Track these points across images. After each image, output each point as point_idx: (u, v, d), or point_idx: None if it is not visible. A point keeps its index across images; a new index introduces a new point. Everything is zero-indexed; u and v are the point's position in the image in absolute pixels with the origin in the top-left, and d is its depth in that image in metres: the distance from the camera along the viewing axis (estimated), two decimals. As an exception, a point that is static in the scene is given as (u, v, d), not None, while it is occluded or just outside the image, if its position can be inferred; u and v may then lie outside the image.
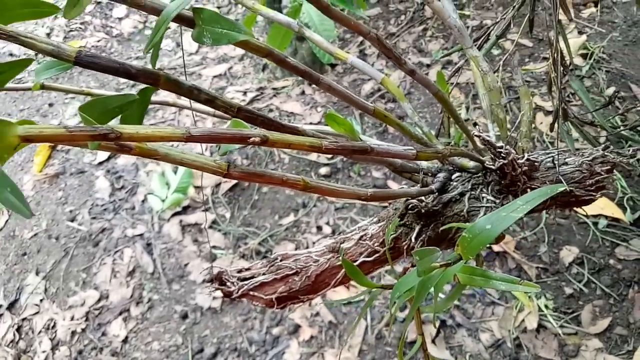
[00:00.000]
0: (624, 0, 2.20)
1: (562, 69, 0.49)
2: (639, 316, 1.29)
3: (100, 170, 1.76)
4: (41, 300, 1.45)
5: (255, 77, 2.11)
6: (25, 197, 1.75)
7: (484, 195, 0.39)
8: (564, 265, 1.42)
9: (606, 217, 1.50)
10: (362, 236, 0.41)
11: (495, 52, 2.10)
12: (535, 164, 0.42)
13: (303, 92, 2.04)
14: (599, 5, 2.24)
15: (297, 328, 1.33)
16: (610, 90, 1.90)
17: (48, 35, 2.44)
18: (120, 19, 2.55)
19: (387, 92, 2.09)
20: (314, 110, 1.96)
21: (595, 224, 1.49)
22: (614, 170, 0.47)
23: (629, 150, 0.46)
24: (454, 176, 0.41)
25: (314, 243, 1.51)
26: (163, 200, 1.62)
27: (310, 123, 1.92)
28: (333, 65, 2.13)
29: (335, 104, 1.98)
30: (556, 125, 0.58)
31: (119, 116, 0.32)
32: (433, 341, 1.29)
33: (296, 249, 1.49)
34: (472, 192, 0.39)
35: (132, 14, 2.57)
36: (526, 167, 0.39)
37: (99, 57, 0.30)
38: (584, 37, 2.09)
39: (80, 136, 0.22)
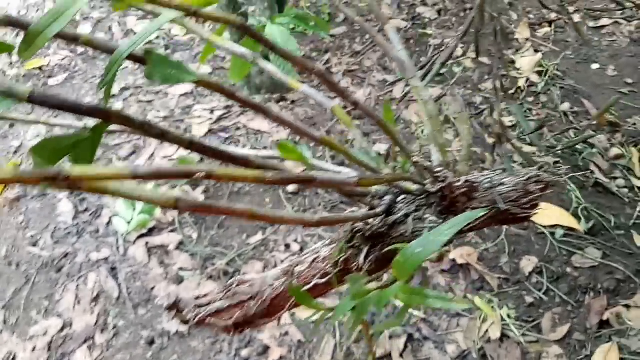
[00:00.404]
0: (576, 20, 2.33)
1: (502, 95, 0.53)
2: (595, 321, 1.35)
3: (64, 193, 1.73)
4: (0, 332, 1.40)
5: (223, 95, 2.12)
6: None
7: (427, 216, 0.42)
8: (524, 275, 1.47)
9: (562, 227, 1.57)
10: (315, 259, 0.42)
11: (456, 69, 2.18)
12: (475, 185, 0.44)
13: (270, 111, 2.06)
14: (552, 25, 2.36)
15: (266, 349, 1.32)
16: (566, 106, 1.99)
17: (9, 52, 2.39)
18: (83, 39, 2.53)
19: (354, 109, 2.13)
20: (280, 128, 1.98)
21: (553, 234, 1.56)
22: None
23: (560, 170, 0.49)
24: (399, 199, 0.43)
25: (282, 261, 1.52)
26: (129, 222, 1.60)
27: (278, 140, 1.94)
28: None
29: (302, 121, 2.01)
30: (507, 146, 0.61)
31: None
32: (401, 355, 1.31)
33: (264, 268, 1.50)
34: (416, 214, 0.42)
35: (98, 32, 2.54)
36: (465, 189, 0.42)
37: (50, 96, 0.31)
38: (539, 55, 2.20)
39: (30, 179, 0.23)
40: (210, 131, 1.96)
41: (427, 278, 1.40)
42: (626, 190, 1.71)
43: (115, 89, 2.12)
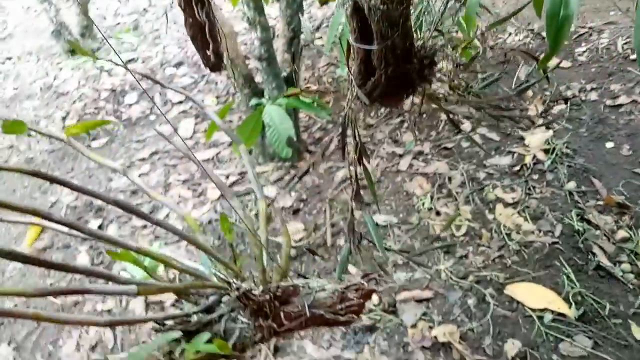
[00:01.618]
0: (593, 98, 2.31)
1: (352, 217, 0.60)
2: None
3: (84, 246, 1.92)
4: (8, 372, 1.56)
5: (240, 162, 2.29)
6: (12, 269, 1.90)
7: (239, 317, 0.50)
8: (507, 359, 1.44)
9: (552, 311, 1.52)
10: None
11: (464, 144, 2.22)
12: (293, 290, 0.52)
13: (281, 178, 2.19)
14: (568, 103, 2.35)
15: None
16: (571, 185, 1.96)
17: (64, 118, 2.72)
18: (130, 105, 2.83)
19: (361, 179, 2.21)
20: (287, 195, 2.10)
21: (541, 317, 1.51)
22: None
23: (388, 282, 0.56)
24: (224, 299, 0.51)
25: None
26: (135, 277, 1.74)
27: (283, 207, 2.05)
28: (310, 152, 2.29)
29: (308, 189, 2.12)
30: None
31: None
32: None
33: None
34: (231, 314, 0.50)
35: (142, 101, 2.84)
36: (268, 296, 0.49)
37: None
38: (550, 132, 2.20)
39: None
40: (222, 195, 2.11)
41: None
42: (632, 276, 1.64)
43: (145, 153, 2.35)
